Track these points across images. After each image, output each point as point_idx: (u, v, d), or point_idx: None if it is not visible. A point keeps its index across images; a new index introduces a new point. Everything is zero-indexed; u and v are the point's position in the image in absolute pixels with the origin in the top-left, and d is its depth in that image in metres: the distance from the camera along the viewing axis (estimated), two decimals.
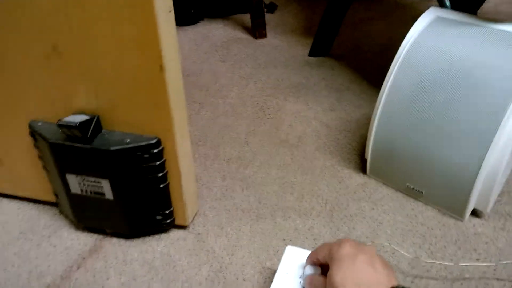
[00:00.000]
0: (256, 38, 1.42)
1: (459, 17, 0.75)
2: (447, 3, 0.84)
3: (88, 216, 0.72)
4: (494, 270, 0.68)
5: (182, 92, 0.63)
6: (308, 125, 1.02)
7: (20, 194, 0.81)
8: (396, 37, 1.41)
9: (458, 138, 0.70)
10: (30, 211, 0.80)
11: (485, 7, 1.40)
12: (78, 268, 0.70)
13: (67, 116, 0.61)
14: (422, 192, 0.78)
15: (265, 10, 1.46)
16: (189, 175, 0.71)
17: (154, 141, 0.62)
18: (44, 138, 0.63)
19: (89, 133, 0.61)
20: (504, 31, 0.70)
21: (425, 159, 0.74)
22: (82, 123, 0.59)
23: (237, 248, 0.73)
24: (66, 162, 0.65)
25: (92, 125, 0.61)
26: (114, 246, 0.73)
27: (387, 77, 0.76)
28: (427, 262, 0.69)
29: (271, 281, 0.60)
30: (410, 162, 0.77)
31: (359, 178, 0.86)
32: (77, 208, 0.71)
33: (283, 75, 1.22)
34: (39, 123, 0.66)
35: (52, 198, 0.78)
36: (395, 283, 0.47)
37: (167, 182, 0.68)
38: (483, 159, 0.68)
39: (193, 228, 0.76)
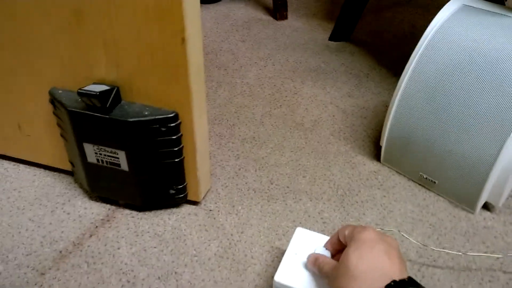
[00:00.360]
0: (277, 20, 1.41)
1: (485, 6, 0.74)
2: None
3: (102, 186, 0.73)
4: (501, 263, 0.68)
5: (202, 67, 0.63)
6: (325, 109, 1.02)
7: (36, 160, 0.82)
8: (419, 25, 1.39)
9: (476, 130, 0.69)
10: (46, 178, 0.81)
11: None
12: (91, 236, 0.71)
13: (87, 85, 0.62)
14: (435, 182, 0.78)
15: None
16: (204, 151, 0.71)
17: (172, 114, 0.63)
18: (63, 106, 0.64)
19: (108, 103, 0.61)
20: None
21: (440, 149, 0.74)
22: (102, 92, 0.60)
23: (247, 226, 0.73)
24: (84, 131, 0.66)
25: (112, 95, 0.62)
26: (126, 217, 0.74)
27: (408, 64, 0.75)
28: (434, 251, 0.69)
29: (279, 261, 0.61)
30: (425, 152, 0.76)
31: (372, 165, 0.86)
32: (92, 177, 0.72)
33: (302, 58, 1.21)
34: (59, 91, 0.67)
35: (67, 167, 0.79)
36: (407, 275, 0.47)
37: (182, 157, 0.68)
38: (500, 153, 0.67)
39: (204, 205, 0.77)
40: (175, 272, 0.66)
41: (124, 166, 0.68)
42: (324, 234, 0.62)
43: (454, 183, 0.75)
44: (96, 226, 0.73)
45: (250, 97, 1.05)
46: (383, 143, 0.83)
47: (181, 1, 0.53)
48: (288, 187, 0.81)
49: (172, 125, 0.64)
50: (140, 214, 0.75)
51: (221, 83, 1.10)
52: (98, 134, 0.65)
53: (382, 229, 0.73)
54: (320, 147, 0.91)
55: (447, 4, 0.76)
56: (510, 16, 0.70)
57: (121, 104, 0.64)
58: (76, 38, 0.61)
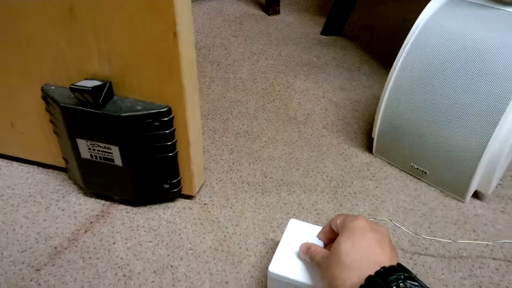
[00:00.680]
0: (269, 15, 1.41)
1: None
2: None
3: (96, 181, 0.73)
4: (491, 250, 0.69)
5: (194, 61, 0.63)
6: (317, 103, 1.02)
7: (30, 158, 0.82)
8: (409, 19, 1.39)
9: (464, 120, 0.70)
10: (40, 175, 0.81)
11: None
12: (86, 232, 0.71)
13: (79, 81, 0.62)
14: (426, 173, 0.79)
15: None
16: (197, 145, 0.72)
17: (165, 109, 0.63)
18: (56, 102, 0.64)
19: (101, 99, 0.62)
20: None
21: (430, 140, 0.75)
22: (94, 88, 0.60)
23: (242, 219, 0.74)
24: (77, 127, 0.66)
25: (105, 90, 0.62)
26: (121, 213, 0.75)
27: (397, 57, 0.76)
28: (426, 240, 0.70)
29: (273, 252, 0.62)
30: (416, 142, 0.77)
31: (364, 157, 0.87)
32: (86, 173, 0.72)
33: (295, 53, 1.21)
34: (52, 87, 0.67)
35: (61, 164, 0.79)
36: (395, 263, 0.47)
37: (176, 151, 0.69)
38: (488, 142, 0.68)
39: (199, 199, 0.77)
40: (171, 266, 0.66)
41: (118, 161, 0.68)
42: (318, 225, 0.63)
43: (445, 172, 0.76)
44: (91, 222, 0.73)
45: (243, 92, 1.06)
46: (375, 135, 0.84)
47: None
48: (281, 180, 0.82)
49: (165, 119, 0.64)
50: (135, 209, 0.75)
51: (214, 78, 1.10)
52: (91, 129, 0.65)
53: (375, 219, 0.74)
54: (313, 140, 0.91)
55: None
56: (496, 8, 0.71)
57: (114, 99, 0.64)
58: (68, 34, 0.61)
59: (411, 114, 0.76)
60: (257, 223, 0.73)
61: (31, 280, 0.64)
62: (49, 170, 0.82)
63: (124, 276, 0.65)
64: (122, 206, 0.76)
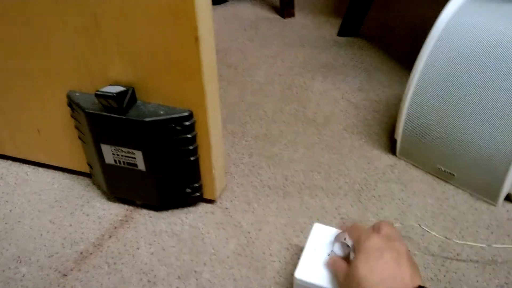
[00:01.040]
0: (284, 18, 1.41)
1: None
2: None
3: (120, 186, 0.73)
4: None
5: (215, 65, 0.63)
6: (336, 105, 1.01)
7: (55, 163, 0.83)
8: (427, 17, 1.38)
9: (494, 119, 0.68)
10: (65, 181, 0.82)
11: None
12: (110, 237, 0.72)
13: (103, 87, 0.62)
14: (454, 175, 0.77)
15: None
16: (218, 149, 0.72)
17: (187, 113, 0.63)
18: (81, 108, 0.65)
19: (124, 104, 0.62)
20: None
21: (458, 141, 0.73)
22: (118, 93, 0.60)
23: (264, 223, 0.73)
24: (101, 132, 0.66)
25: (128, 96, 0.62)
26: (144, 217, 0.75)
27: (420, 56, 0.75)
28: (457, 245, 0.68)
29: (298, 258, 0.61)
30: (443, 144, 0.75)
31: (388, 159, 0.86)
32: (110, 178, 0.72)
33: (311, 55, 1.21)
34: (77, 94, 0.67)
35: (86, 169, 0.80)
36: (418, 283, 0.46)
37: (197, 155, 0.69)
38: None
39: (220, 203, 0.77)
40: (195, 271, 0.66)
41: (141, 166, 0.68)
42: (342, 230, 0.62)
43: (474, 175, 0.74)
44: (115, 227, 0.73)
45: (261, 95, 1.05)
46: (398, 136, 0.82)
47: (194, 1, 0.54)
48: (303, 183, 0.81)
49: (187, 123, 0.64)
50: (158, 214, 0.75)
51: (231, 82, 1.10)
52: (115, 135, 0.65)
53: (402, 223, 0.72)
54: (334, 142, 0.91)
55: None
56: None
57: (137, 104, 0.65)
58: (92, 41, 0.61)
59: (437, 114, 0.74)
60: (280, 227, 0.73)
61: (58, 286, 0.64)
62: (73, 175, 0.83)
63: (149, 281, 0.65)
64: (145, 211, 0.76)
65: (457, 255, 0.68)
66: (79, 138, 0.73)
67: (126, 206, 0.76)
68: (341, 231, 0.60)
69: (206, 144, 0.68)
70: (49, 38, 0.64)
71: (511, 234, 0.71)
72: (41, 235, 0.72)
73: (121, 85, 0.63)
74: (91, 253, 0.69)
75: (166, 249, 0.70)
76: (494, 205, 0.75)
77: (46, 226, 0.74)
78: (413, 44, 1.22)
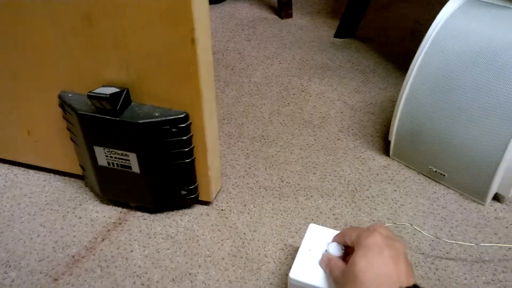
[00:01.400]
0: (282, 18, 1.41)
1: None
2: None
3: (113, 189, 0.73)
4: None
5: (211, 67, 0.63)
6: (332, 106, 1.01)
7: (46, 165, 0.82)
8: (423, 20, 1.39)
9: (484, 121, 0.69)
10: (56, 183, 0.82)
11: None
12: (103, 240, 0.71)
13: (97, 88, 0.62)
14: (444, 175, 0.78)
15: None
16: (214, 151, 0.71)
17: (182, 115, 0.63)
18: (73, 109, 0.64)
19: (118, 106, 0.61)
20: None
21: (449, 142, 0.74)
22: (112, 95, 0.60)
23: (259, 225, 0.73)
24: (94, 134, 0.66)
25: (122, 97, 0.62)
26: (138, 220, 0.74)
27: (415, 59, 0.75)
28: (447, 244, 0.69)
29: (293, 258, 0.61)
30: (434, 145, 0.76)
31: (382, 160, 0.86)
32: (103, 180, 0.72)
33: (308, 56, 1.21)
34: (69, 95, 0.67)
35: (78, 171, 0.79)
36: (413, 283, 0.46)
37: (193, 157, 0.68)
38: (508, 144, 0.67)
39: (216, 204, 0.77)
40: (189, 273, 0.66)
41: (135, 168, 0.68)
42: (337, 230, 0.62)
43: (464, 175, 0.75)
44: (108, 230, 0.73)
45: (258, 96, 1.05)
46: (392, 137, 0.82)
47: (191, 2, 0.53)
48: (299, 184, 0.81)
49: (182, 125, 0.64)
50: (152, 216, 0.75)
51: (228, 83, 1.10)
52: (108, 136, 0.65)
53: (394, 223, 0.73)
54: (329, 143, 0.90)
55: None
56: None
57: (131, 106, 0.64)
58: (85, 41, 0.61)
59: (430, 116, 0.75)
60: (275, 228, 0.73)
61: None
62: (65, 177, 0.82)
63: (143, 284, 0.65)
64: (139, 213, 0.75)
65: (447, 253, 0.68)
66: (71, 139, 0.72)
67: (119, 209, 0.76)
68: (336, 231, 0.60)
69: (202, 146, 0.68)
70: (41, 38, 0.63)
71: (498, 233, 0.71)
72: (31, 238, 0.72)
73: (115, 86, 0.62)
74: (83, 257, 0.69)
75: (160, 251, 0.69)
76: (483, 204, 0.76)
77: (36, 230, 0.73)
78: (409, 46, 1.23)
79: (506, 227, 0.72)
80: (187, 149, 0.67)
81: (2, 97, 0.73)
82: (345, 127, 0.95)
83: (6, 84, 0.71)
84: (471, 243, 0.69)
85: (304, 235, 0.62)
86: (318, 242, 0.60)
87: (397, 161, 0.85)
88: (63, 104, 0.67)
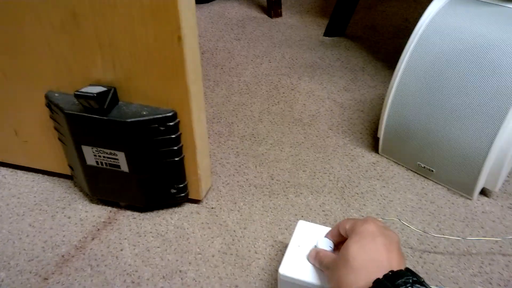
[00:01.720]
0: (271, 17, 1.41)
1: None
2: None
3: (102, 188, 0.73)
4: (500, 246, 0.69)
5: (199, 64, 0.63)
6: (322, 104, 1.02)
7: (35, 166, 0.82)
8: (412, 18, 1.40)
9: (470, 117, 0.69)
10: (45, 183, 0.81)
11: None
12: (93, 239, 0.71)
13: (84, 87, 0.62)
14: (432, 171, 0.78)
15: None
16: (203, 149, 0.71)
17: (170, 113, 0.63)
18: (60, 109, 0.64)
19: (106, 105, 0.61)
20: None
21: (437, 138, 0.74)
22: (99, 94, 0.60)
23: (250, 222, 0.73)
24: (82, 134, 0.66)
25: (109, 96, 0.62)
26: (128, 219, 0.74)
27: (402, 56, 0.76)
28: (434, 238, 0.70)
29: (283, 254, 0.61)
30: (422, 141, 0.77)
31: (371, 157, 0.86)
32: (92, 180, 0.72)
33: (298, 55, 1.21)
34: (56, 94, 0.67)
35: (66, 171, 0.79)
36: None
37: (182, 156, 0.69)
38: (494, 139, 0.68)
39: (206, 203, 0.77)
40: (180, 271, 0.66)
41: (124, 167, 0.68)
42: (326, 226, 0.62)
43: (451, 170, 0.76)
44: (98, 229, 0.73)
45: (248, 95, 1.05)
46: (381, 134, 0.83)
47: (177, 0, 0.53)
48: (288, 181, 0.81)
49: (171, 124, 0.64)
50: (142, 215, 0.75)
51: (218, 82, 1.10)
52: (96, 136, 0.65)
53: (383, 218, 0.73)
54: (319, 141, 0.91)
55: None
56: (499, 5, 0.71)
57: (119, 105, 0.64)
58: (71, 40, 0.61)
59: (417, 113, 0.75)
60: (265, 225, 0.73)
61: None
62: (54, 178, 0.82)
63: (133, 282, 0.64)
64: (129, 212, 0.75)
65: (434, 247, 0.69)
66: (59, 139, 0.72)
67: (109, 208, 0.76)
68: (325, 228, 0.61)
69: (191, 145, 0.68)
70: (25, 36, 0.63)
71: (485, 226, 0.72)
72: (21, 238, 0.71)
73: (102, 85, 0.62)
74: (73, 256, 0.68)
75: (150, 249, 0.69)
76: (470, 199, 0.77)
77: (25, 230, 0.73)
78: (398, 44, 1.24)
79: (493, 221, 0.73)
80: (176, 148, 0.67)
81: None
82: (335, 124, 0.95)
83: None
84: (458, 237, 0.70)
85: (293, 231, 0.62)
86: (307, 238, 0.61)
87: (386, 158, 0.86)
88: (50, 103, 0.67)
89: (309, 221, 0.63)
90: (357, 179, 0.81)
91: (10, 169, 0.84)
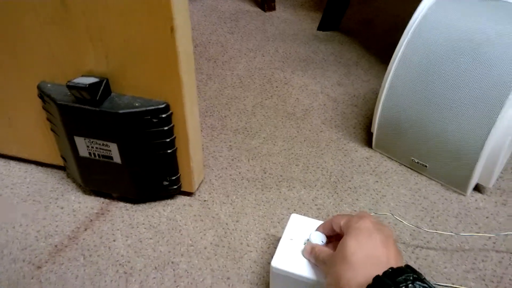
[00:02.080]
0: (265, 11, 1.41)
1: None
2: None
3: (95, 179, 0.73)
4: (494, 242, 0.69)
5: (192, 56, 0.63)
6: (315, 99, 1.02)
7: (27, 157, 0.82)
8: (405, 13, 1.39)
9: (464, 113, 0.70)
10: (38, 174, 0.81)
11: None
12: (85, 229, 0.71)
13: (76, 78, 0.61)
14: (426, 166, 0.79)
15: None
16: (196, 142, 0.71)
17: (163, 105, 0.63)
18: (53, 100, 0.64)
19: (98, 96, 0.61)
20: None
21: (430, 133, 0.75)
22: (91, 85, 0.59)
23: (242, 215, 0.74)
24: (74, 124, 0.65)
25: (102, 87, 0.61)
26: (121, 210, 0.74)
27: (396, 52, 0.76)
28: (427, 233, 0.70)
29: (275, 247, 0.61)
30: (416, 136, 0.77)
31: (364, 151, 0.87)
32: (84, 171, 0.72)
33: (291, 49, 1.21)
34: (48, 85, 0.66)
35: (59, 162, 0.79)
36: (403, 265, 0.47)
37: (175, 148, 0.68)
38: (488, 135, 0.68)
39: (199, 195, 0.77)
40: (172, 262, 0.66)
41: (117, 158, 0.68)
42: (319, 220, 0.62)
43: (445, 166, 0.76)
44: (91, 220, 0.73)
45: (241, 89, 1.05)
46: (374, 129, 0.83)
47: None
48: (281, 175, 0.81)
49: (163, 116, 0.64)
50: (135, 207, 0.75)
51: (211, 76, 1.10)
52: (89, 127, 0.65)
53: (376, 213, 0.73)
54: (312, 135, 0.91)
55: None
56: (492, 0, 0.71)
57: (111, 96, 0.64)
58: (63, 30, 0.60)
59: (411, 108, 0.76)
60: (257, 219, 0.73)
61: (32, 278, 0.64)
62: (47, 168, 0.82)
63: (125, 273, 0.65)
64: (121, 204, 0.75)
65: (427, 243, 0.69)
66: (52, 130, 0.72)
67: (102, 199, 0.76)
68: (318, 221, 0.61)
69: (184, 137, 0.68)
70: (18, 28, 0.62)
71: (478, 222, 0.73)
72: (14, 228, 0.71)
73: (94, 76, 0.62)
74: (66, 246, 0.68)
75: (143, 241, 0.69)
76: (464, 195, 0.77)
77: (18, 220, 0.72)
78: (392, 39, 1.23)
79: (487, 217, 0.73)
80: (168, 140, 0.67)
81: None
82: (328, 119, 0.96)
83: None
84: (451, 232, 0.70)
85: (286, 225, 0.62)
86: (299, 231, 0.61)
87: (380, 153, 0.86)
88: (42, 94, 0.66)
89: (301, 215, 0.64)
90: (350, 173, 0.82)
91: (3, 160, 0.84)
